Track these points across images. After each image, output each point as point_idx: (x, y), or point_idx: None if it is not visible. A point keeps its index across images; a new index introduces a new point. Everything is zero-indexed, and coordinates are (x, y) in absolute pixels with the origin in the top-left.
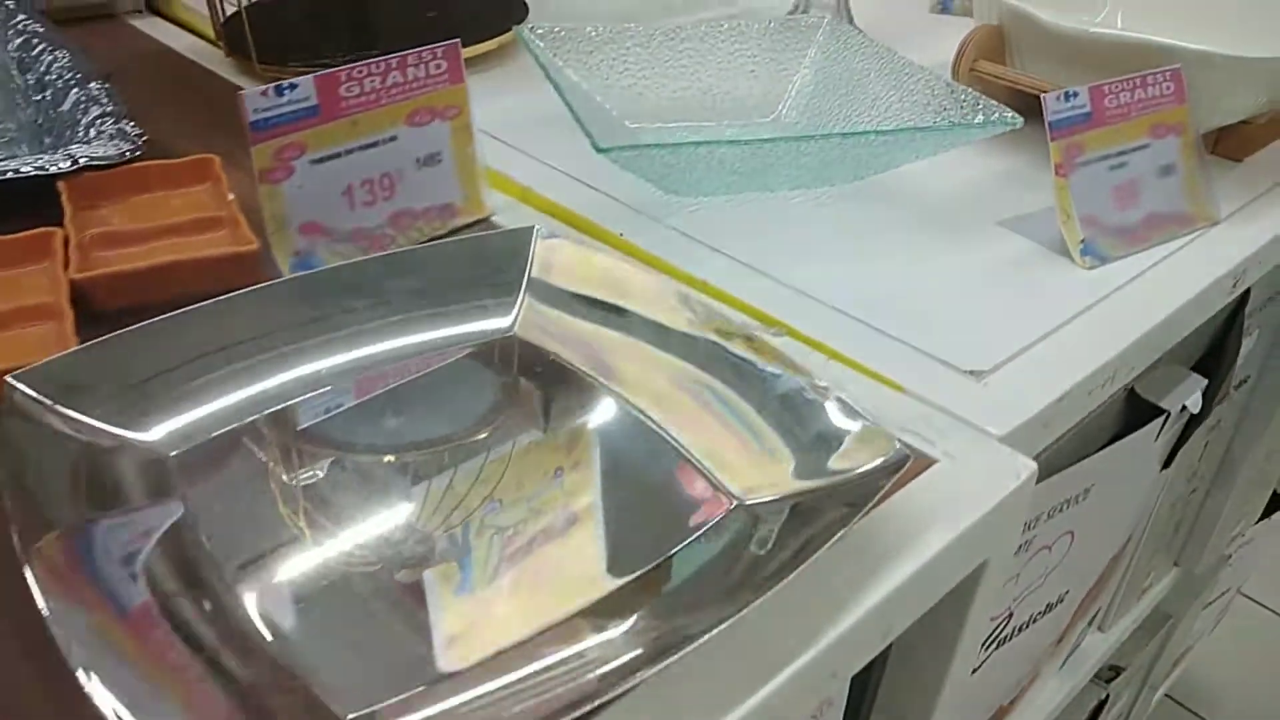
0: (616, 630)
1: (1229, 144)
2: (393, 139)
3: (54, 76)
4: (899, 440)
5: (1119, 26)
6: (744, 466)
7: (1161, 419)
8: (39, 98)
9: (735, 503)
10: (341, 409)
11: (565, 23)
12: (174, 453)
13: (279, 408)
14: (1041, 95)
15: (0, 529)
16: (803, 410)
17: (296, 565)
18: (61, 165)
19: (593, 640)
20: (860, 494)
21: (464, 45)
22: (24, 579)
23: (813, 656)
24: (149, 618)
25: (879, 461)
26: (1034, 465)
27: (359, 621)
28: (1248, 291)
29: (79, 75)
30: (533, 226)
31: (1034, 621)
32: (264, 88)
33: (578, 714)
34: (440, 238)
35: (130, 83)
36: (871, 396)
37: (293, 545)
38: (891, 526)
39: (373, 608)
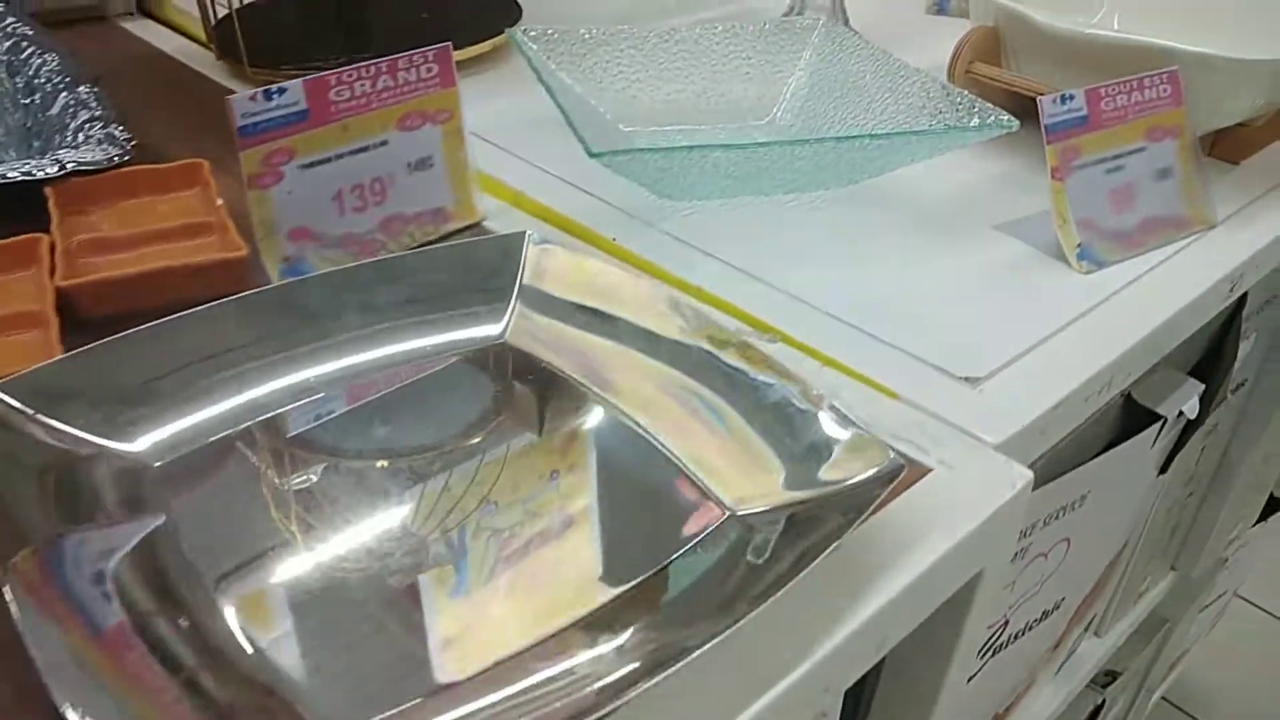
0: (612, 643)
1: (1226, 146)
2: (383, 143)
3: (43, 80)
4: (893, 450)
5: (1115, 28)
6: (736, 477)
7: (1158, 425)
8: (27, 101)
9: (728, 513)
10: (330, 416)
11: (559, 24)
12: (158, 463)
13: (267, 416)
14: (1037, 98)
15: None
16: (795, 420)
17: (286, 575)
18: (49, 170)
19: (587, 655)
20: (854, 504)
21: (457, 47)
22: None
23: (806, 670)
24: (125, 636)
25: (872, 472)
26: (1030, 474)
27: (350, 632)
28: (1244, 295)
29: (68, 79)
30: (524, 232)
31: (1030, 629)
32: (252, 92)
33: None
34: (431, 243)
35: (121, 86)
36: (866, 403)
37: (282, 554)
38: (885, 536)
39: (365, 617)
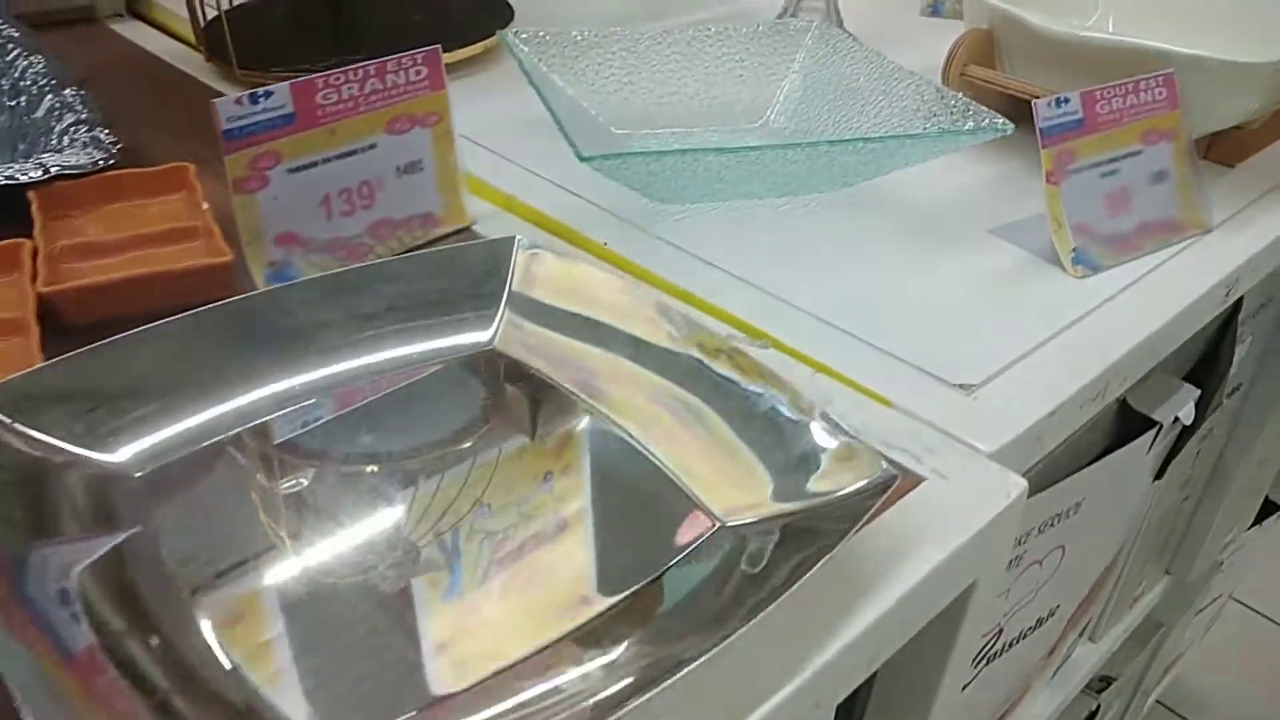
0: (604, 658)
1: (1221, 149)
2: (372, 147)
3: (28, 82)
4: (885, 460)
5: (1110, 30)
6: (726, 487)
7: (1154, 431)
8: (13, 104)
9: (717, 524)
10: (316, 424)
11: (551, 26)
12: (139, 473)
13: (252, 425)
14: (1033, 102)
15: None
16: (786, 430)
17: (273, 586)
18: (32, 174)
19: (578, 671)
20: (846, 516)
21: (448, 49)
22: None
23: (797, 687)
24: (95, 658)
25: (864, 483)
26: (1024, 484)
27: (337, 642)
28: (1240, 299)
29: (54, 81)
30: (514, 237)
31: (1024, 636)
32: (238, 95)
33: None
34: (420, 247)
35: (108, 88)
36: (858, 411)
37: (268, 563)
38: (878, 547)
39: (353, 626)
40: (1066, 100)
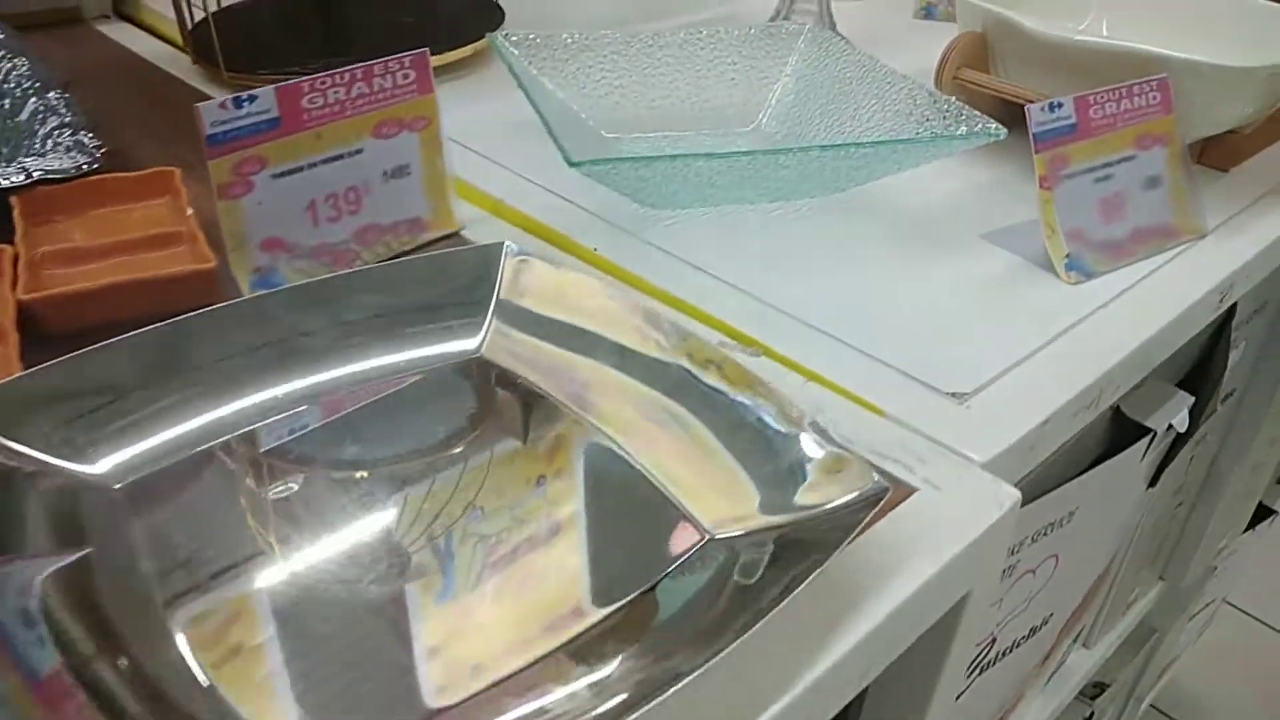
0: (593, 675)
1: (1215, 154)
2: (359, 151)
3: (12, 85)
4: (876, 472)
5: (1104, 34)
6: (716, 499)
7: (1148, 438)
8: None
9: (707, 537)
10: (301, 433)
11: (542, 28)
12: (118, 485)
13: (234, 435)
14: (1026, 107)
15: None
16: (777, 442)
17: (261, 597)
18: (14, 179)
19: (565, 690)
20: (837, 529)
21: (439, 51)
22: None
23: (786, 704)
24: (62, 681)
25: (855, 495)
26: (1017, 494)
27: (324, 654)
28: (1234, 305)
29: (38, 84)
30: (502, 243)
31: (1018, 645)
32: (222, 100)
33: None
34: (408, 253)
35: (93, 91)
36: (850, 420)
37: (254, 571)
38: (869, 560)
39: (343, 636)
40: (1060, 105)
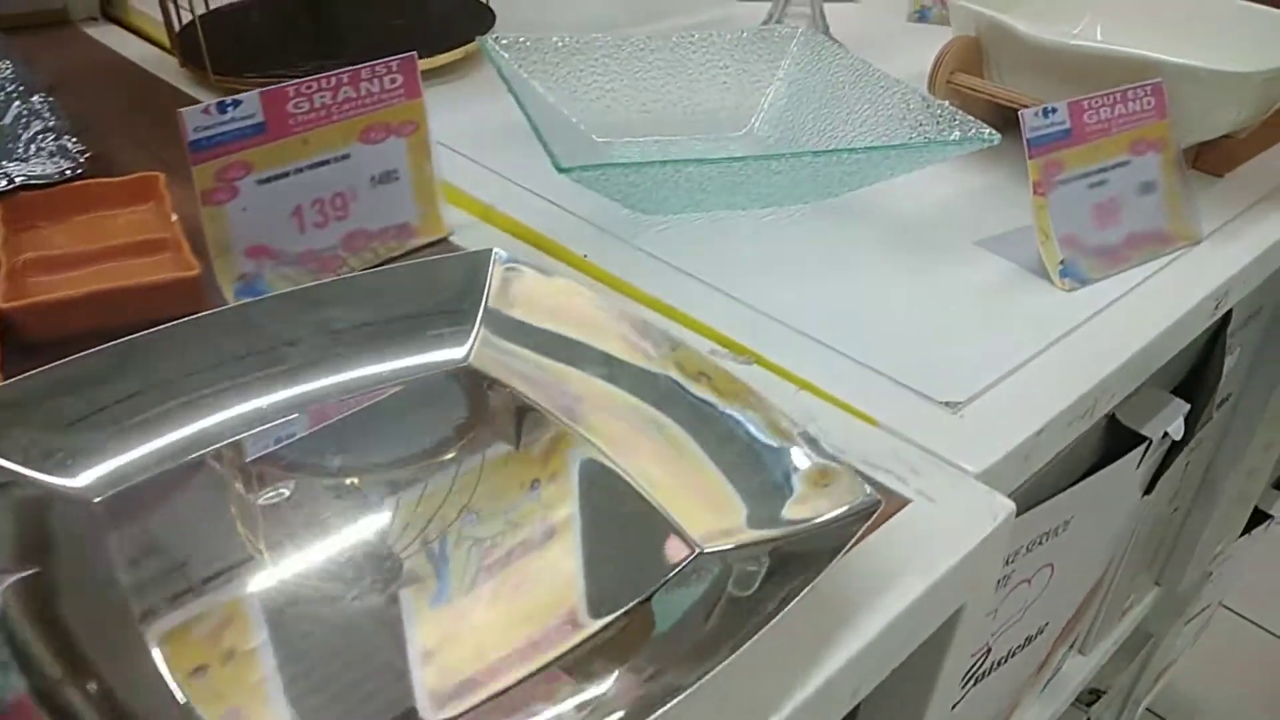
0: (581, 696)
1: (1210, 159)
2: (345, 157)
3: None
4: (868, 485)
5: (1098, 38)
6: (706, 513)
7: (1143, 447)
8: None
9: (696, 550)
10: (285, 443)
11: (533, 31)
12: (98, 499)
13: (217, 447)
14: (1019, 112)
15: None
16: (768, 455)
17: (250, 600)
18: None
19: (553, 711)
20: (829, 543)
21: (429, 54)
22: None
23: None
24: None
25: (847, 509)
26: (1012, 505)
27: (316, 662)
28: (1229, 311)
29: (22, 87)
30: (490, 250)
31: (1013, 655)
32: (205, 105)
33: None
34: (397, 259)
35: (80, 94)
36: (842, 430)
37: (242, 577)
38: (861, 574)
39: (336, 643)
40: (1054, 110)
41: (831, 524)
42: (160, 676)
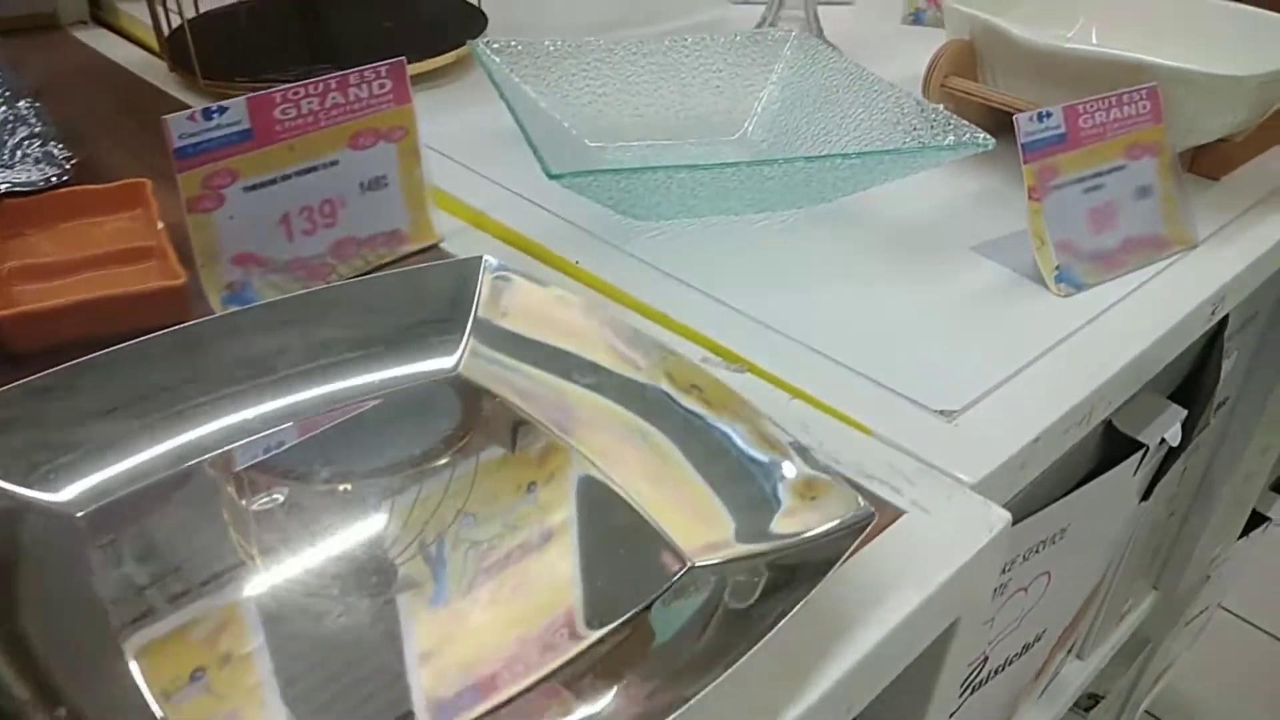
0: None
1: (1206, 162)
2: (334, 163)
3: None
4: (862, 498)
5: (1093, 42)
6: (696, 526)
7: (1140, 453)
8: None
9: (688, 564)
10: (271, 455)
11: (525, 35)
12: (80, 513)
13: (202, 459)
14: (1014, 117)
15: None
16: (759, 466)
17: (244, 604)
18: None
19: None
20: (822, 556)
21: (420, 58)
22: None
23: None
24: None
25: (840, 522)
26: (1008, 516)
27: (313, 666)
28: (1226, 316)
29: (8, 92)
30: (480, 258)
31: (1011, 663)
32: (190, 111)
33: None
34: (386, 266)
35: (68, 99)
36: (836, 440)
37: (234, 582)
38: (855, 587)
39: (334, 647)
40: (1048, 115)
41: (825, 537)
42: (142, 696)
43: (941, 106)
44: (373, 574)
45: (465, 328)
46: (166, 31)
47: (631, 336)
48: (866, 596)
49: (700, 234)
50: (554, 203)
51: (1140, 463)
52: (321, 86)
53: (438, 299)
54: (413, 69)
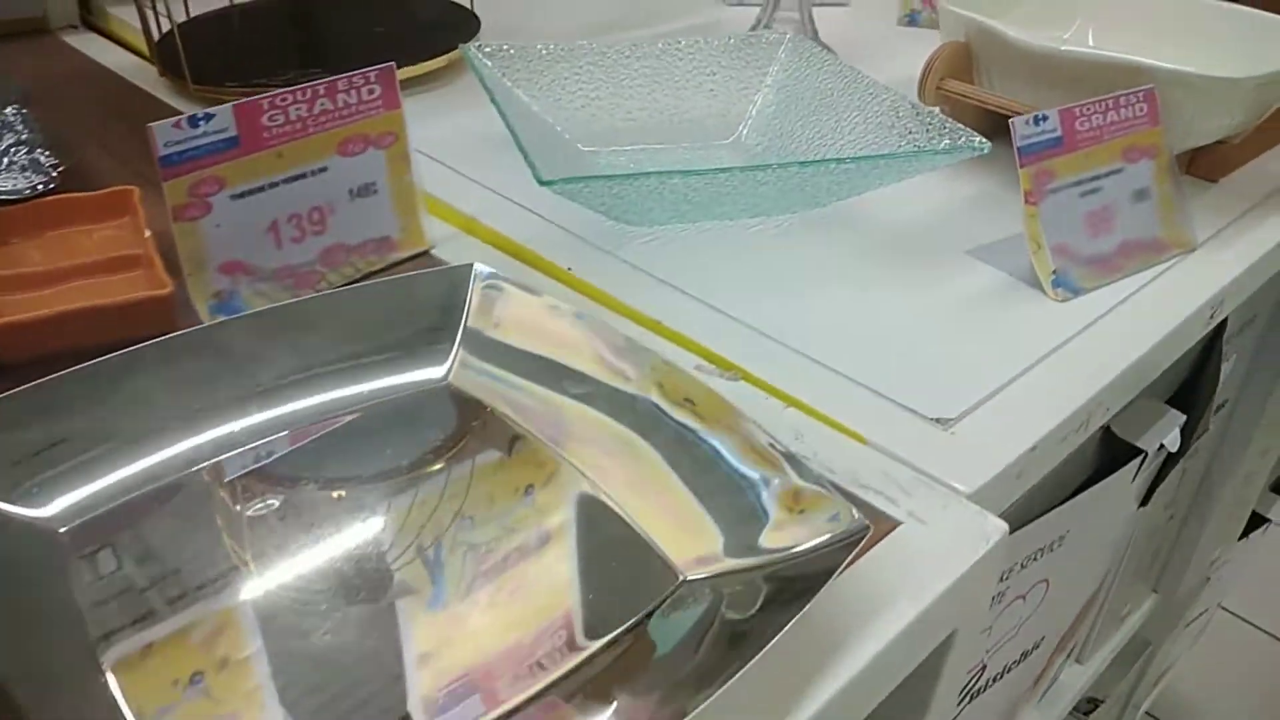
0: None
1: (1203, 165)
2: (323, 170)
3: None
4: (856, 510)
5: (1089, 44)
6: (689, 540)
7: (1139, 459)
8: None
9: (680, 578)
10: (254, 467)
11: (519, 38)
12: (64, 529)
13: (189, 473)
14: (1010, 120)
15: None
16: (753, 479)
17: (239, 608)
18: None
19: None
20: (816, 570)
21: (412, 62)
22: None
23: None
24: None
25: (835, 535)
26: (1005, 526)
27: (309, 669)
28: (1225, 319)
29: None
30: (470, 265)
31: (1009, 671)
32: (176, 119)
33: None
34: (378, 273)
35: (56, 105)
36: (831, 449)
37: (227, 588)
38: (850, 600)
39: (331, 652)
40: (1045, 118)
41: (820, 551)
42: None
43: (937, 109)
44: (365, 580)
45: (455, 337)
46: (156, 36)
47: (623, 346)
48: (862, 609)
49: (694, 239)
50: (546, 208)
51: (1139, 469)
52: (310, 93)
53: (428, 308)
54: (405, 73)
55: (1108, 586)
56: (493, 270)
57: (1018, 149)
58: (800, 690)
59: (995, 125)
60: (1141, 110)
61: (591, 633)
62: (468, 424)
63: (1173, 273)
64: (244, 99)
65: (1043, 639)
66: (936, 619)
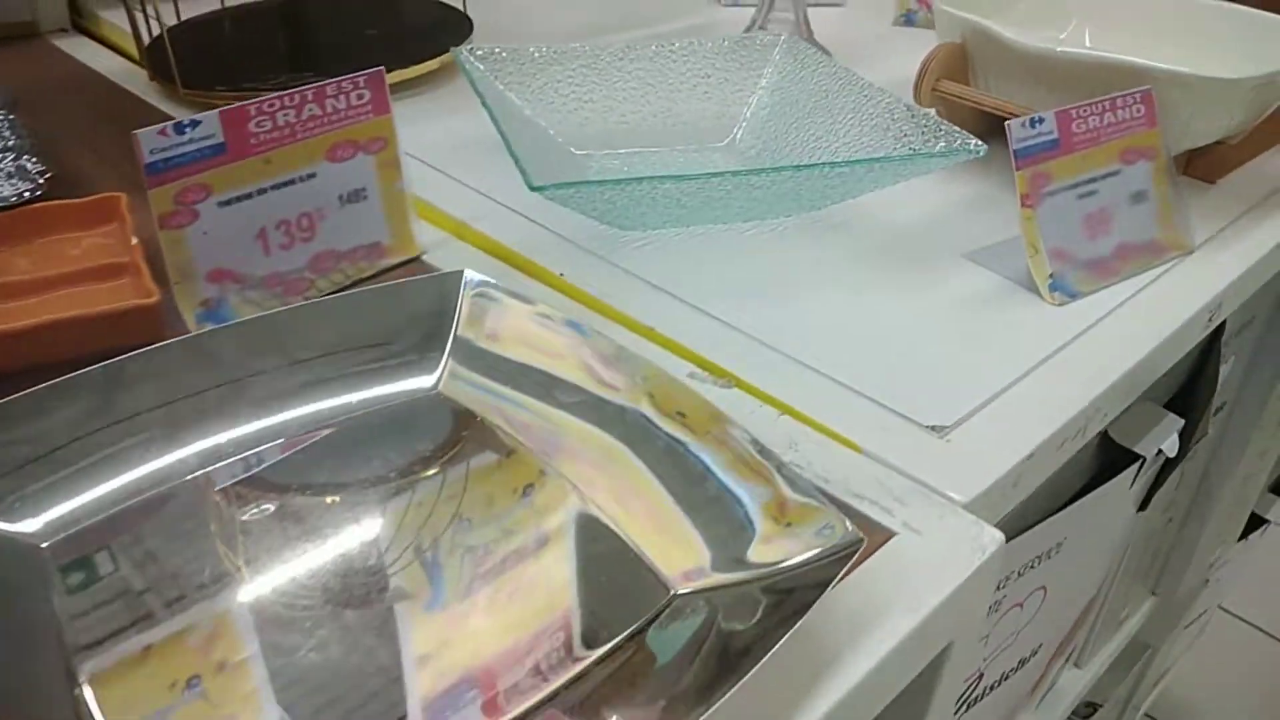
0: None
1: (1201, 166)
2: (312, 176)
3: None
4: (850, 523)
5: (1086, 44)
6: (680, 553)
7: (1137, 464)
8: None
9: (672, 592)
10: (240, 479)
11: (513, 39)
12: (46, 544)
13: (177, 484)
14: (1006, 123)
15: None
16: (744, 492)
17: (236, 613)
18: None
19: None
20: (809, 583)
21: (404, 65)
22: None
23: None
24: None
25: (827, 548)
26: (1001, 537)
27: (308, 673)
28: (1223, 322)
29: None
30: (460, 273)
31: (1006, 678)
32: (161, 126)
33: None
34: (367, 279)
35: (45, 110)
36: (825, 458)
37: (221, 593)
38: (845, 613)
39: (329, 656)
40: (1041, 120)
41: (813, 564)
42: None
43: (933, 111)
44: (362, 583)
45: (445, 346)
46: (147, 40)
47: (614, 355)
48: (857, 622)
49: (688, 243)
50: (538, 213)
51: (1137, 474)
52: (298, 98)
53: (418, 315)
54: (396, 76)
55: (1106, 591)
56: (483, 277)
57: (1014, 151)
58: (794, 705)
59: (991, 127)
60: (1139, 111)
61: (589, 642)
62: (458, 433)
63: (1171, 275)
64: (231, 105)
65: (1041, 645)
66: (932, 632)
